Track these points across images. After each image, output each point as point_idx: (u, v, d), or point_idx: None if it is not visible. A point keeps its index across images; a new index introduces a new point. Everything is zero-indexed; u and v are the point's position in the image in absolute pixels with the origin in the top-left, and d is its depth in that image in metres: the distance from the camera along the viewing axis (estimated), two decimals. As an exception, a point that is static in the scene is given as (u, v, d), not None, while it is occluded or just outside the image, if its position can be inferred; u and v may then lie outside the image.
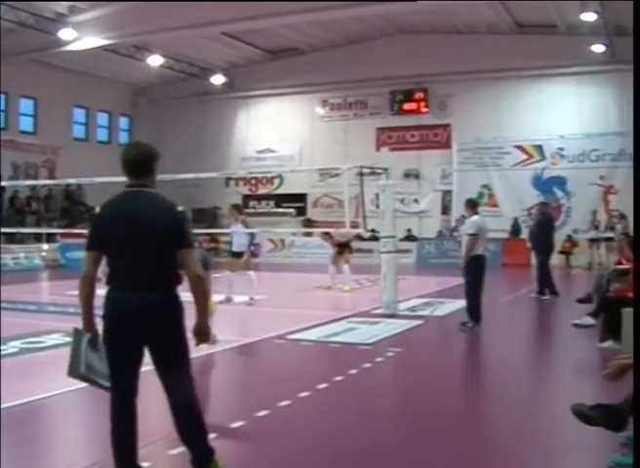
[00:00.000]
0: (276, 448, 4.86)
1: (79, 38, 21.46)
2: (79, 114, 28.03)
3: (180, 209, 3.98)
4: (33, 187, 24.41)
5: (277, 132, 28.11)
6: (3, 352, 7.90)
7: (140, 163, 3.98)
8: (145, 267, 3.86)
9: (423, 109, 26.16)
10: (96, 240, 3.95)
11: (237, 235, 12.84)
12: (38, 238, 23.18)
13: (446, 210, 25.75)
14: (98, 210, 4.04)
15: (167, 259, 3.90)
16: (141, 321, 3.83)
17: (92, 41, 21.68)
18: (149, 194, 3.98)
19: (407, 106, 26.32)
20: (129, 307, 3.83)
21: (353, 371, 7.15)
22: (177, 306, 3.94)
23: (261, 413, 5.52)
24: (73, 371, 3.99)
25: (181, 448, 4.17)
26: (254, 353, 8.70)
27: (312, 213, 27.00)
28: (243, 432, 5.18)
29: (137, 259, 3.85)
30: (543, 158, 24.46)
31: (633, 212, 6.79)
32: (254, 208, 28.04)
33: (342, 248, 14.94)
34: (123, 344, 3.87)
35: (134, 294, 3.83)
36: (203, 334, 4.02)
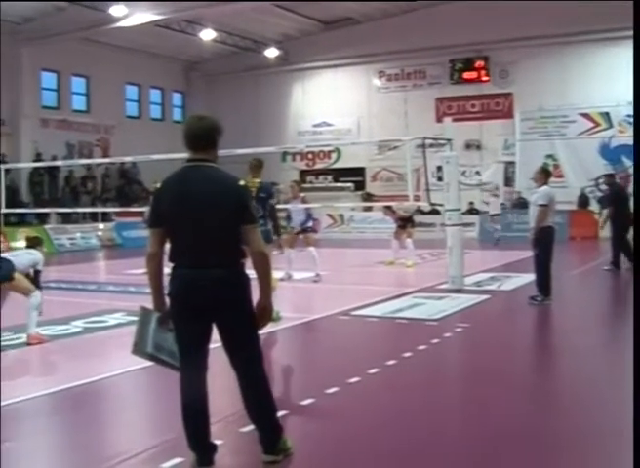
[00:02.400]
0: (348, 426, 4.74)
1: (130, 14, 21.27)
2: (132, 91, 27.95)
3: (242, 183, 3.83)
4: (88, 167, 24.61)
5: (333, 104, 27.70)
6: (67, 331, 8.04)
7: (201, 136, 3.85)
8: (208, 244, 3.76)
9: (484, 78, 25.58)
10: (157, 217, 3.86)
11: (296, 212, 12.82)
12: (94, 217, 23.28)
13: (509, 181, 25.08)
14: (158, 185, 3.93)
15: (230, 235, 3.78)
16: (207, 296, 3.74)
17: (143, 17, 21.48)
18: (211, 169, 3.85)
19: (467, 75, 25.74)
20: (193, 284, 3.74)
21: (422, 347, 6.97)
22: (243, 280, 3.81)
23: (331, 390, 5.41)
24: (139, 350, 3.96)
25: (252, 426, 4.06)
26: (319, 329, 8.54)
27: (371, 187, 26.70)
28: (314, 409, 5.10)
29: (199, 236, 3.75)
30: (611, 126, 23.65)
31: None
32: (311, 183, 27.68)
33: (405, 222, 14.73)
34: (190, 321, 3.79)
35: (198, 271, 3.74)
36: (265, 313, 3.89)
